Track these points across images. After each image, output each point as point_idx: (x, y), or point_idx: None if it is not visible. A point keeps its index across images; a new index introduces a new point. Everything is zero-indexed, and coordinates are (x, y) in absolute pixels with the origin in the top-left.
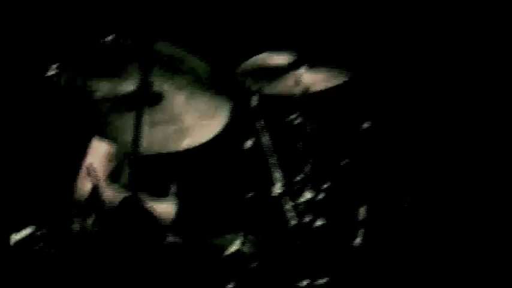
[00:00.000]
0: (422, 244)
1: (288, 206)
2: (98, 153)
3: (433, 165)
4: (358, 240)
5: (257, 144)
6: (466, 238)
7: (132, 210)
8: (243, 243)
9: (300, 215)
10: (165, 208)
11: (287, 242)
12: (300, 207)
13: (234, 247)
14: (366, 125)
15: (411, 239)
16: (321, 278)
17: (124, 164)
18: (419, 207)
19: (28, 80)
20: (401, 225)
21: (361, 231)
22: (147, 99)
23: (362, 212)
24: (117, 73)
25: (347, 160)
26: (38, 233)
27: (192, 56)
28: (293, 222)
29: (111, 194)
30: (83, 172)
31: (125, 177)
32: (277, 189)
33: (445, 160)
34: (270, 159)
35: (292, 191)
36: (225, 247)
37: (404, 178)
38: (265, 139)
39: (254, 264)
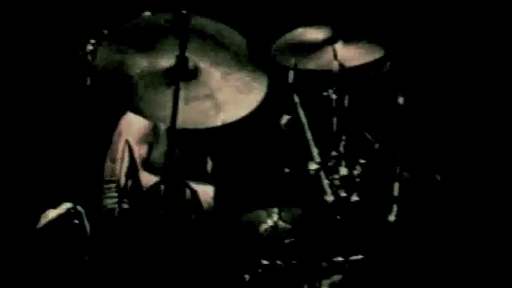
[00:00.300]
0: (455, 221)
1: (325, 182)
2: (131, 130)
3: (466, 142)
4: (392, 217)
5: (293, 119)
6: (499, 218)
7: (170, 188)
8: (278, 219)
9: (335, 191)
10: (205, 194)
11: (323, 218)
12: (336, 183)
13: (269, 222)
14: (400, 100)
15: (443, 215)
16: (356, 254)
17: (159, 141)
18: (451, 183)
19: (63, 57)
20: (433, 201)
21: (395, 207)
22: (183, 74)
23: (396, 188)
24: (154, 49)
25: (380, 136)
26: (74, 209)
27: (230, 30)
28: (330, 198)
29: (147, 172)
30: (117, 149)
31: (159, 153)
32: (314, 165)
33: (479, 136)
34: (306, 135)
35: (327, 167)
36: (260, 223)
37: (437, 154)
38: (302, 115)
39: (289, 240)
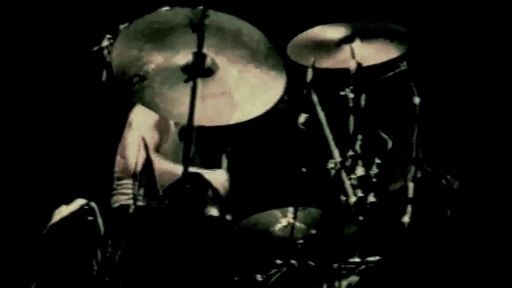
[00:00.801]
0: (469, 223)
1: (347, 182)
2: (141, 121)
3: (483, 145)
4: (406, 218)
5: (311, 118)
6: None
7: (186, 182)
8: (293, 218)
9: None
10: (219, 179)
11: (341, 218)
12: (353, 183)
13: (284, 222)
14: (416, 100)
15: (458, 218)
16: (373, 255)
17: (169, 135)
18: (467, 186)
19: (78, 52)
20: (448, 204)
21: (409, 209)
22: (200, 71)
23: (410, 188)
24: (170, 45)
25: (396, 136)
26: (88, 205)
27: (249, 27)
28: (352, 198)
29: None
30: (130, 144)
31: (167, 149)
32: (333, 164)
33: (496, 139)
34: (325, 134)
35: (345, 166)
36: (275, 221)
37: (453, 156)
38: (320, 114)
39: (304, 240)
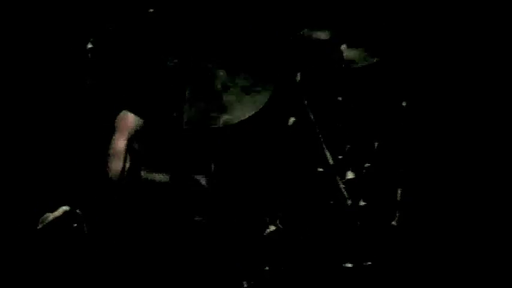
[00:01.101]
0: (460, 227)
1: (341, 185)
2: (128, 129)
3: (473, 147)
4: (394, 222)
5: (300, 121)
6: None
7: (173, 189)
8: (282, 223)
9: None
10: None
11: (335, 223)
12: (342, 187)
13: (272, 227)
14: (403, 104)
15: (449, 222)
16: (365, 261)
17: (158, 141)
18: (457, 190)
19: (63, 53)
20: (438, 208)
21: (398, 213)
22: (189, 73)
23: (399, 193)
24: (159, 46)
25: (384, 140)
26: (72, 212)
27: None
28: (348, 202)
29: (146, 173)
30: (115, 149)
31: (152, 154)
32: (325, 167)
33: (487, 141)
34: (314, 137)
35: (338, 170)
36: (263, 227)
37: (442, 160)
38: (310, 116)
39: (294, 246)
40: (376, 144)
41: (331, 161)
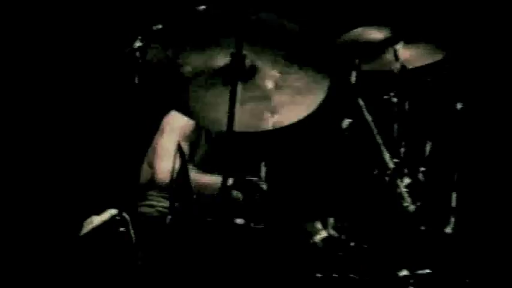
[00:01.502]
0: None
1: (402, 189)
2: (174, 127)
3: None
4: (449, 229)
5: (355, 123)
6: None
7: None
8: (334, 229)
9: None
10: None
11: (402, 229)
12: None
13: (324, 233)
14: (458, 106)
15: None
16: (422, 269)
17: (200, 143)
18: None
19: (110, 54)
20: (493, 213)
21: (452, 219)
22: (240, 74)
23: (453, 198)
24: (208, 46)
25: (439, 143)
26: (119, 216)
27: (293, 25)
28: (411, 207)
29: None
30: (163, 150)
31: (199, 157)
32: (386, 171)
33: None
34: (373, 140)
35: (399, 173)
36: (314, 233)
37: (496, 165)
38: (368, 118)
39: (345, 252)
40: (429, 147)
41: (391, 165)
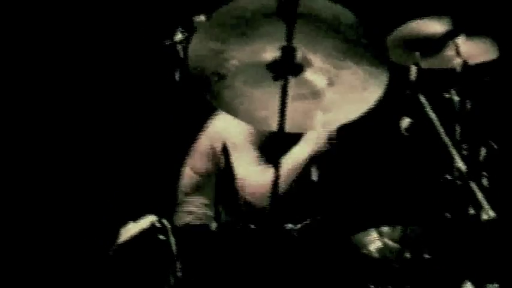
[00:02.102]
0: None
1: (479, 194)
2: (230, 133)
3: None
4: None
5: (416, 123)
6: None
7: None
8: (387, 240)
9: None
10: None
11: (478, 238)
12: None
13: (377, 244)
14: None
15: None
16: (491, 282)
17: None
18: None
19: (149, 47)
20: None
21: None
22: (290, 68)
23: None
24: (255, 38)
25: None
26: (159, 223)
27: (348, 13)
28: (491, 214)
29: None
30: (199, 149)
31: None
32: (457, 176)
33: None
34: (439, 141)
35: (474, 176)
36: (366, 243)
37: None
38: (433, 117)
39: (399, 264)
40: (493, 150)
41: (464, 168)
